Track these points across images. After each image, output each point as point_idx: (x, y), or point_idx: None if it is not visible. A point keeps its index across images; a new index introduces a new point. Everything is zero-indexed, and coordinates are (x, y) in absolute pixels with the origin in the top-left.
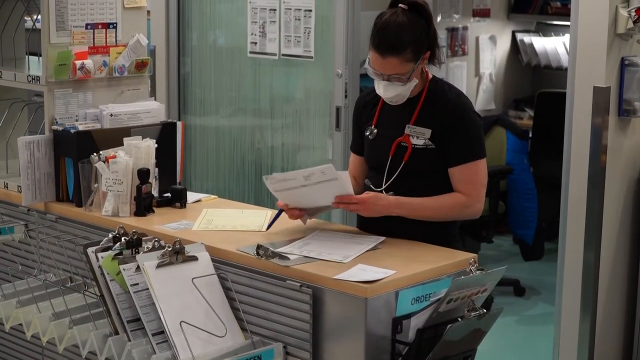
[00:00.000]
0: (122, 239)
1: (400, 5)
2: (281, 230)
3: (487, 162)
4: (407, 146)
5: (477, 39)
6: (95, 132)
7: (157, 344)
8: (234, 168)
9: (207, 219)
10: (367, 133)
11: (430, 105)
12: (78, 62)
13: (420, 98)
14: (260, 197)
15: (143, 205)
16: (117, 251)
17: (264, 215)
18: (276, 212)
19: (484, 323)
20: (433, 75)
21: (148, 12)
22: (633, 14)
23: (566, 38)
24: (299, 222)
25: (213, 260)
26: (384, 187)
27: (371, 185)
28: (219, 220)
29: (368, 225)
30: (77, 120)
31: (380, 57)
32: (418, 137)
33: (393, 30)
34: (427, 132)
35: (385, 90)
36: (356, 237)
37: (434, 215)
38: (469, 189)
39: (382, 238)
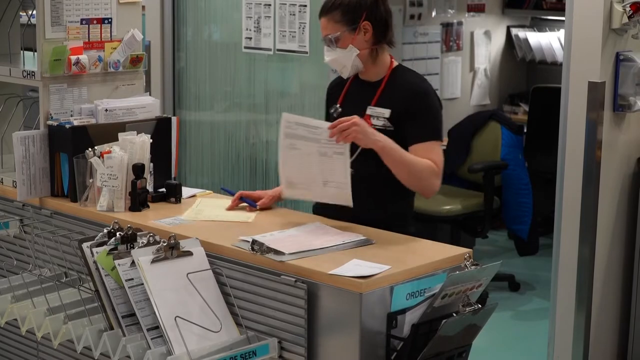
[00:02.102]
0: (117, 234)
1: None
2: (270, 223)
3: (482, 157)
4: None
5: (471, 34)
6: (90, 127)
7: (152, 339)
8: (229, 163)
9: (197, 209)
10: (332, 111)
11: (391, 88)
12: (73, 57)
13: (382, 81)
14: None
15: (138, 200)
16: (112, 246)
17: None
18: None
19: (479, 318)
20: (398, 64)
21: (143, 7)
22: (628, 8)
23: (561, 33)
24: (287, 216)
25: (208, 256)
26: None
27: None
28: (209, 211)
29: (326, 211)
30: (72, 116)
31: (320, 21)
32: (378, 117)
33: None
34: (387, 112)
35: (325, 55)
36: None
37: (408, 168)
38: (436, 160)
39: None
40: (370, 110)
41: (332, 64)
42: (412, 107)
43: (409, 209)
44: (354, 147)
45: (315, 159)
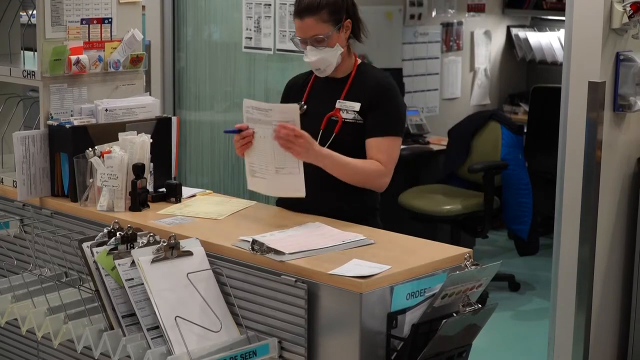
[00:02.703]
0: (117, 233)
1: None
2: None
3: (482, 157)
4: (337, 120)
5: (472, 34)
6: (90, 127)
7: (152, 339)
8: (229, 163)
9: (186, 204)
10: None
11: (359, 82)
12: (73, 57)
13: (349, 77)
14: (255, 192)
15: (138, 200)
16: (112, 246)
17: (244, 205)
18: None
19: (479, 318)
20: (362, 60)
21: (143, 7)
22: (628, 8)
23: (561, 33)
24: (278, 216)
25: (208, 255)
26: None
27: None
28: (194, 207)
29: (289, 201)
30: (72, 115)
31: (300, 21)
32: (348, 111)
33: None
34: (357, 106)
35: (310, 55)
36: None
37: (352, 176)
38: (385, 160)
39: (360, 236)
40: (340, 104)
41: (317, 63)
42: (376, 101)
43: (376, 201)
44: (323, 139)
45: (270, 142)
